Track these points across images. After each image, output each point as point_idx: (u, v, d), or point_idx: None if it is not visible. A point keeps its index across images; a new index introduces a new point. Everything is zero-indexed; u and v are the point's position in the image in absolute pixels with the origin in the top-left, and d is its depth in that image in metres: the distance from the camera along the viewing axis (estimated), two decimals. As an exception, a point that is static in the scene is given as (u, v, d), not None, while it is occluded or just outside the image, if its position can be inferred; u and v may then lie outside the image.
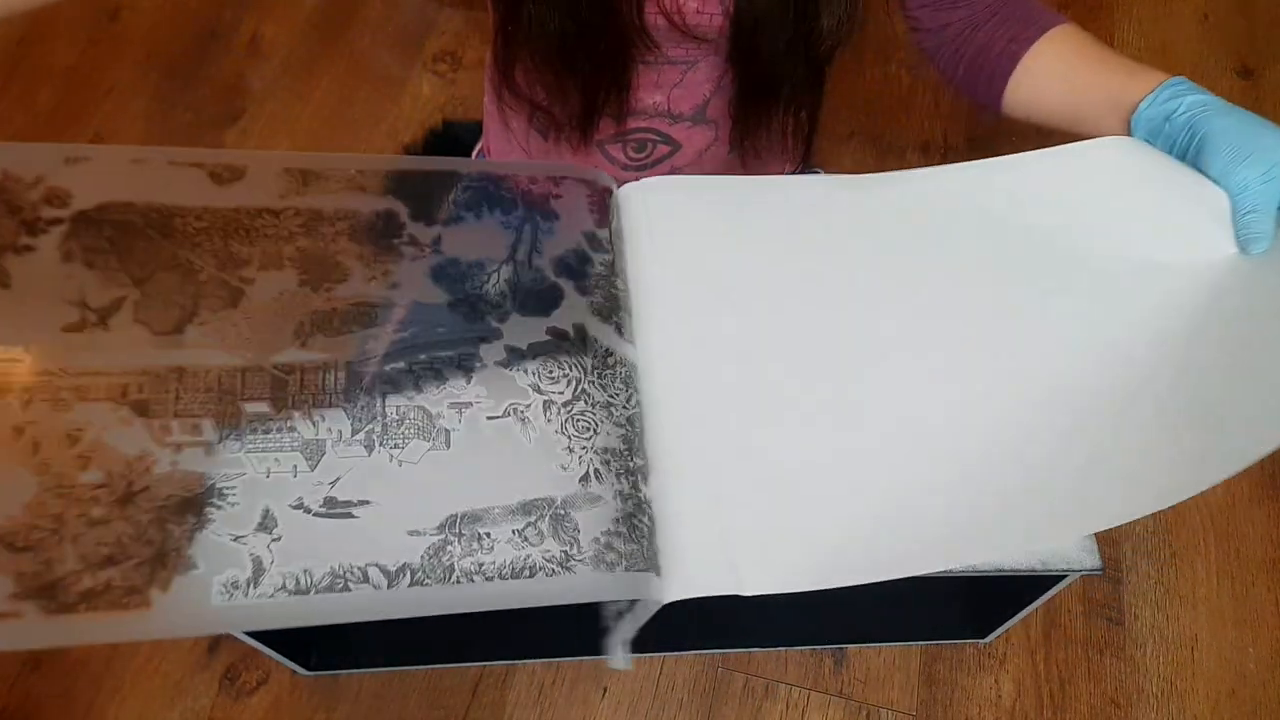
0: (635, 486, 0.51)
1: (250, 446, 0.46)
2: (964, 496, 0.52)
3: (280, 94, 1.37)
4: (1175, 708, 0.97)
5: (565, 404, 0.52)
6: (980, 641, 0.98)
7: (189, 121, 1.35)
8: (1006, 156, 0.63)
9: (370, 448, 0.48)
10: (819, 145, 0.87)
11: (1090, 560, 0.68)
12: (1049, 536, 0.55)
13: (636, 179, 0.81)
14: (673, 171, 0.83)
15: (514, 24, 0.71)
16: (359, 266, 0.53)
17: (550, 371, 0.53)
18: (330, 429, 0.48)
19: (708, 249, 0.61)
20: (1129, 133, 0.63)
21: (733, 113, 0.77)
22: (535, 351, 0.53)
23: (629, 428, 0.53)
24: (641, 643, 0.84)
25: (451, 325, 0.53)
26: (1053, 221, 0.62)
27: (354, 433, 0.48)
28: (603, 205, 0.61)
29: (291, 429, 0.47)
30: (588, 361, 0.54)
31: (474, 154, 1.04)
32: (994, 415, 0.55)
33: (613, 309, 0.57)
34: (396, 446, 0.48)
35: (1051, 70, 0.67)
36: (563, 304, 0.56)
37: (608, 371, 0.54)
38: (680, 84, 0.74)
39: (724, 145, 0.83)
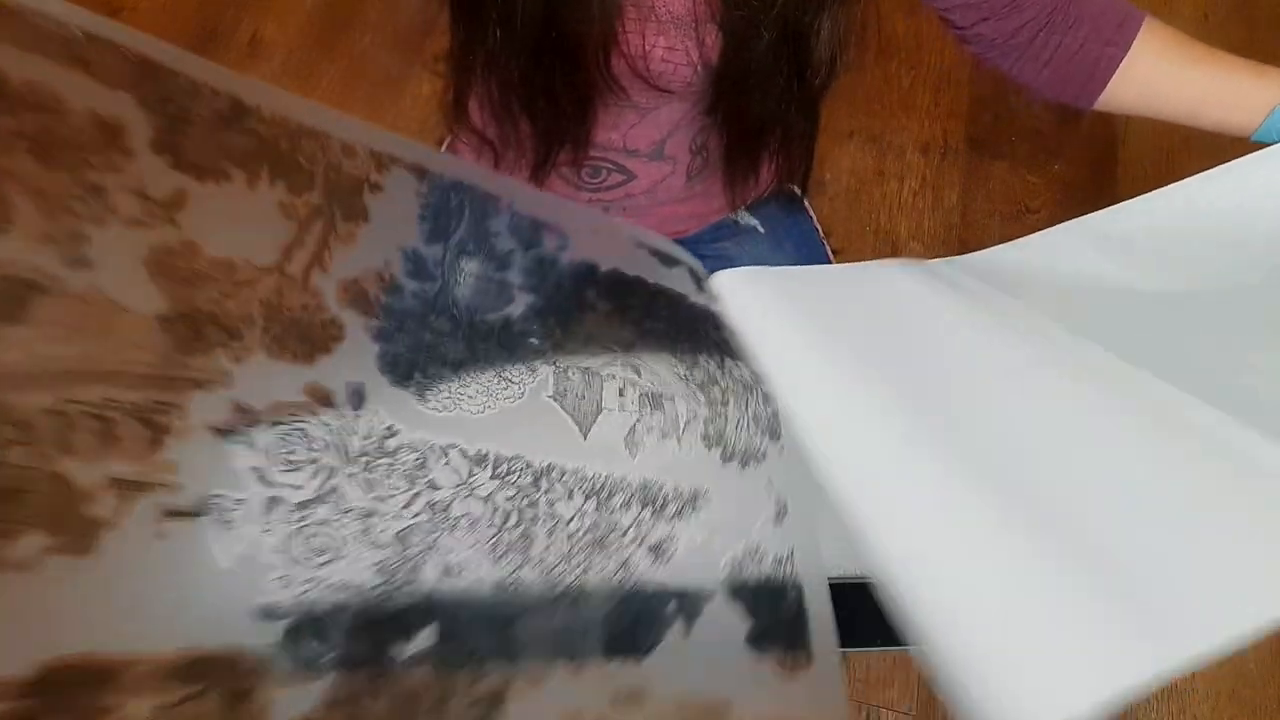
0: (380, 648, 0.33)
1: None
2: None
3: (280, 94, 1.38)
4: (1175, 708, 0.96)
5: (300, 505, 0.34)
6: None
7: (189, 121, 1.34)
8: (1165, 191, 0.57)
9: None
10: (818, 145, 0.87)
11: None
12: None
13: (591, 200, 0.80)
14: (627, 198, 0.78)
15: (472, 55, 0.65)
16: None
17: (291, 452, 0.34)
18: None
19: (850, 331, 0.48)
20: (1258, 126, 0.63)
21: (722, 168, 0.73)
22: (276, 416, 0.34)
23: (397, 548, 0.35)
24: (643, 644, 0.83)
25: (163, 350, 0.32)
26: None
27: None
28: (443, 213, 0.41)
29: None
30: (355, 443, 0.35)
31: (441, 148, 1.03)
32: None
33: (414, 365, 0.38)
34: None
35: (1161, 71, 0.68)
36: (339, 349, 0.36)
37: (382, 461, 0.36)
38: (638, 124, 0.70)
39: (680, 178, 0.77)
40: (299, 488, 0.34)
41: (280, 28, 1.39)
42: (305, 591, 0.32)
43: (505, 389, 0.40)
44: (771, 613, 0.45)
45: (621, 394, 0.42)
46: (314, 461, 0.35)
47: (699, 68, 0.64)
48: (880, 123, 1.35)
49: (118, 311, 0.31)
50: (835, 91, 0.71)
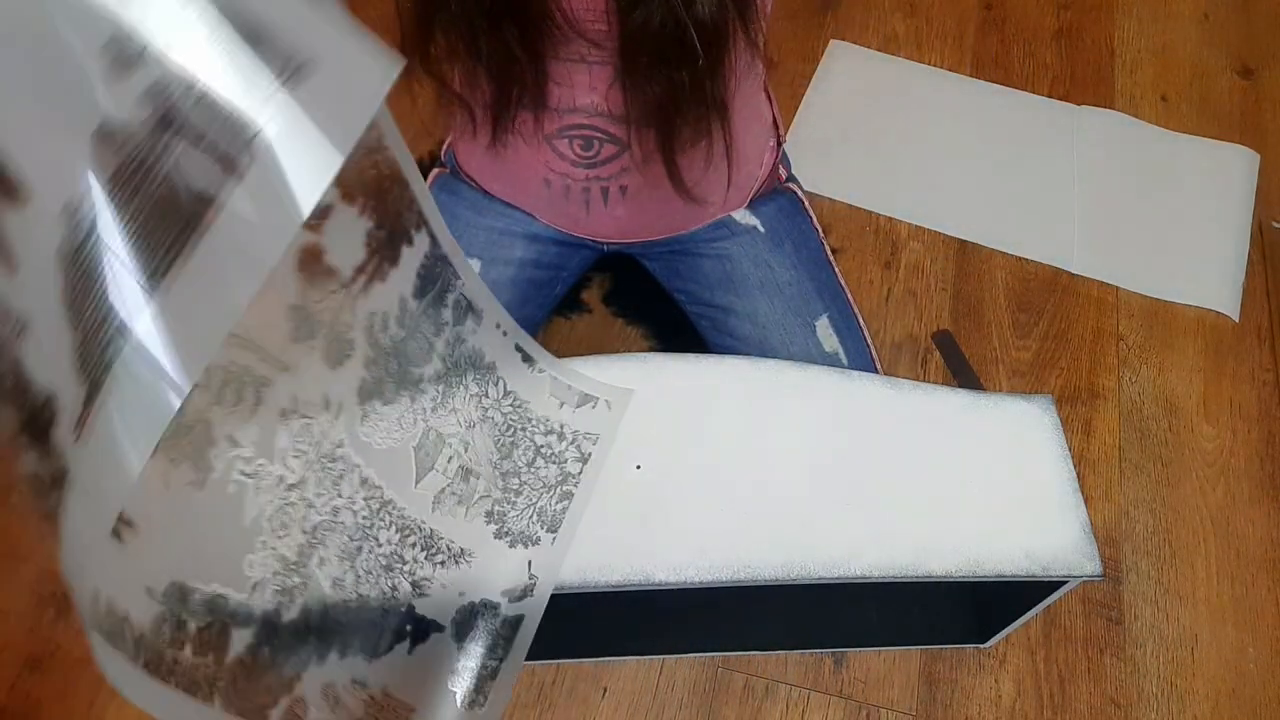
0: (279, 613, 0.39)
1: None
2: None
3: (280, 94, 1.37)
4: (1175, 708, 0.96)
5: (289, 486, 0.40)
6: (981, 645, 0.95)
7: (189, 122, 1.34)
8: None
9: None
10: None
11: (1091, 566, 0.65)
12: None
13: (589, 178, 0.80)
14: (623, 172, 0.79)
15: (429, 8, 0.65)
16: None
17: (301, 443, 0.40)
18: None
19: None
20: None
21: (637, 134, 0.72)
22: (305, 411, 0.40)
23: (310, 537, 0.41)
24: (641, 644, 0.83)
25: (281, 336, 0.39)
26: None
27: None
28: (428, 276, 0.46)
29: None
30: (325, 446, 0.41)
31: (443, 148, 1.03)
32: None
33: (370, 396, 0.43)
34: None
35: None
36: (345, 366, 0.43)
37: (327, 466, 0.42)
38: (614, 84, 0.70)
39: None
40: (293, 473, 0.40)
41: (280, 28, 1.39)
42: (265, 559, 0.39)
43: (397, 431, 0.47)
44: (480, 659, 0.52)
45: (449, 461, 0.49)
46: (304, 454, 0.40)
47: (610, 18, 0.66)
48: (880, 122, 1.34)
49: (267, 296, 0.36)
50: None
